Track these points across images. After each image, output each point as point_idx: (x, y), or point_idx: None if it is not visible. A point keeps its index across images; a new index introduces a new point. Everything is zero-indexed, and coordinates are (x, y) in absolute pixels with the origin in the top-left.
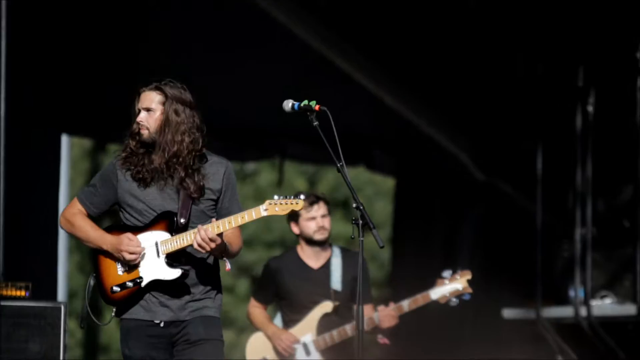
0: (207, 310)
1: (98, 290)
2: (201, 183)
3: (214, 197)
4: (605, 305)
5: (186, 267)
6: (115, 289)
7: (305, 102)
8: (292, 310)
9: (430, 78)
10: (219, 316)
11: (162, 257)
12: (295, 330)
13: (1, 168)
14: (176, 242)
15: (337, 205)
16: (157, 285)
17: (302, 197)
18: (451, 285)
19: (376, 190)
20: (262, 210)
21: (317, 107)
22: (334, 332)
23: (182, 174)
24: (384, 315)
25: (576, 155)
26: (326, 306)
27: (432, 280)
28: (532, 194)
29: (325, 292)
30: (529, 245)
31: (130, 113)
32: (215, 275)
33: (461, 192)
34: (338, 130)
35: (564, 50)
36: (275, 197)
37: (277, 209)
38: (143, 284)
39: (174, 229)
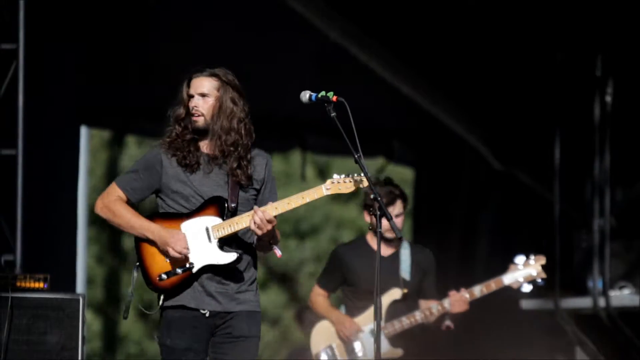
0: (251, 305)
1: (143, 278)
2: (249, 172)
3: (257, 187)
4: (623, 296)
5: (240, 251)
6: (163, 276)
7: (323, 93)
8: (358, 297)
9: (448, 69)
10: (260, 310)
11: (215, 241)
12: (362, 317)
13: (20, 160)
14: (230, 226)
15: (353, 195)
16: (209, 270)
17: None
18: (525, 271)
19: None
20: (325, 190)
21: (334, 98)
22: (404, 319)
23: (235, 163)
24: (455, 300)
25: (594, 145)
26: (395, 293)
27: (451, 270)
28: (550, 184)
29: (394, 280)
30: (547, 235)
31: (143, 104)
32: (256, 265)
33: (480, 182)
34: (356, 121)
35: (582, 40)
36: (336, 175)
37: (340, 187)
38: (194, 270)
39: (225, 214)
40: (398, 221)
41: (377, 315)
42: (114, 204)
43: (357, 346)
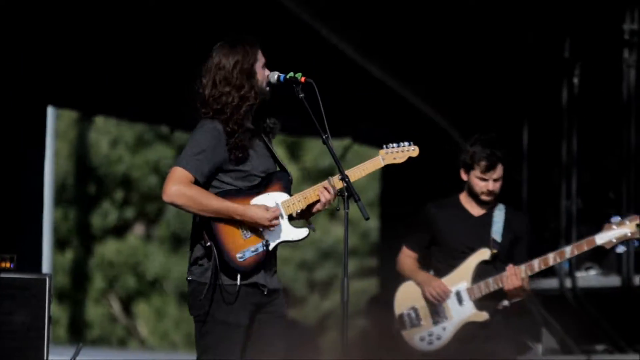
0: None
1: (219, 259)
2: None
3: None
4: (590, 277)
5: (310, 226)
6: (241, 255)
7: (291, 73)
8: (446, 257)
9: (416, 52)
10: None
11: (286, 217)
12: (449, 277)
13: None
14: (300, 201)
15: (322, 175)
16: (280, 248)
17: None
18: (619, 230)
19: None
20: (381, 160)
21: (302, 79)
22: (490, 280)
23: (264, 127)
24: (508, 275)
25: (562, 128)
26: (484, 253)
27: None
28: (518, 165)
29: (484, 240)
30: None
31: (111, 85)
32: None
33: (447, 164)
34: (324, 102)
35: (550, 22)
36: (385, 146)
37: (395, 158)
38: (270, 247)
39: (290, 189)
40: (497, 185)
41: (343, 295)
42: (192, 189)
43: (443, 308)
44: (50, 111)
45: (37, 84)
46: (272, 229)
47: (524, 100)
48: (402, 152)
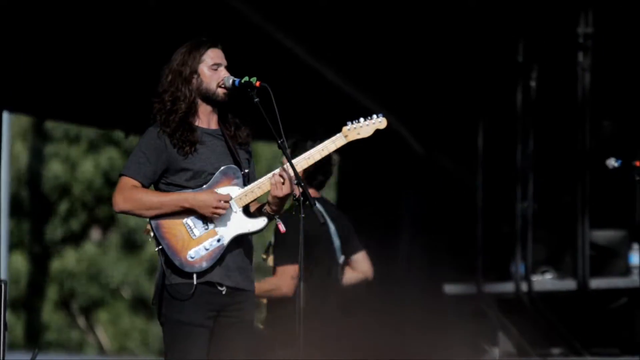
0: (253, 286)
1: (170, 261)
2: (243, 134)
3: (249, 149)
4: (545, 281)
5: (267, 215)
6: (193, 254)
7: (246, 78)
8: None
9: (370, 55)
10: None
11: (240, 210)
12: None
13: None
14: (252, 192)
15: None
16: (238, 242)
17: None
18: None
19: None
20: (342, 138)
21: (257, 84)
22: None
23: (233, 127)
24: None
25: (517, 131)
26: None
27: (376, 257)
28: (474, 168)
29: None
30: (470, 220)
31: (66, 89)
32: None
33: (402, 167)
34: (279, 106)
35: (504, 26)
36: (350, 122)
37: (359, 133)
38: (225, 242)
39: (244, 182)
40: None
41: (299, 301)
42: (135, 192)
43: None
44: (5, 116)
45: None
46: (219, 218)
47: (479, 104)
48: (367, 125)
